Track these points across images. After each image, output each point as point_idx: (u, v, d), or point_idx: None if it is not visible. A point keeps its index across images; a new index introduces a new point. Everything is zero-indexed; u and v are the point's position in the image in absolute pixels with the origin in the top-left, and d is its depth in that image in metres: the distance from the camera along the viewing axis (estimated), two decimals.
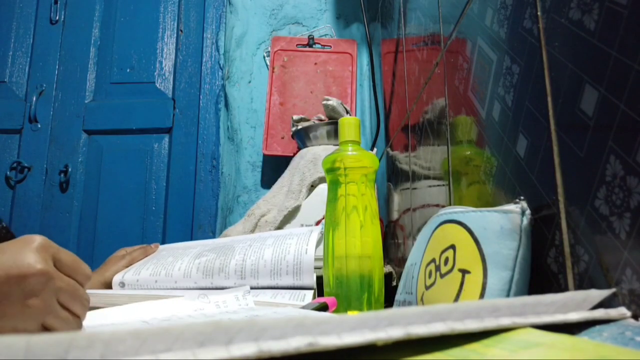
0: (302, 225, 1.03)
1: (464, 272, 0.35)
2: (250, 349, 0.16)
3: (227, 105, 1.54)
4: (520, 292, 0.34)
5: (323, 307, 0.55)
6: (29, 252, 0.34)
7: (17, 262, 0.33)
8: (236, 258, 0.72)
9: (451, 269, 0.37)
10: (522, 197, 0.35)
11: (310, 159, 1.10)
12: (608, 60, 0.27)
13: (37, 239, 0.35)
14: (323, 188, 1.06)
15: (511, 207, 0.35)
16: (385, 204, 1.11)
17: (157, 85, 1.58)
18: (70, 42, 1.62)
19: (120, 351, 0.14)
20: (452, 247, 0.38)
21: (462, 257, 0.36)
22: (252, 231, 1.06)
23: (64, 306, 0.35)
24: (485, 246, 0.35)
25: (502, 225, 0.34)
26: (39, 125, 1.56)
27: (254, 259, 0.71)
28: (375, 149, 1.14)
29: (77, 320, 0.37)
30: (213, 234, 1.44)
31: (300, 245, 0.71)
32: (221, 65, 1.56)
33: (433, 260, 0.41)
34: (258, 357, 0.15)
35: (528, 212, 0.34)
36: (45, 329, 0.34)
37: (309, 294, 0.66)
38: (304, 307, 0.54)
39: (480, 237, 0.35)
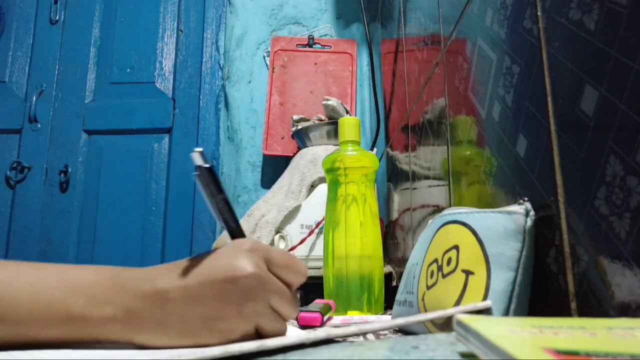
0: (302, 226, 1.03)
1: (468, 272, 0.35)
2: None
3: (227, 105, 1.54)
4: (523, 293, 0.34)
5: (327, 309, 0.55)
6: (241, 256, 0.35)
7: (232, 265, 0.35)
8: None
9: (454, 270, 0.37)
10: (525, 198, 0.35)
11: (310, 159, 1.10)
12: (608, 60, 0.27)
13: (248, 243, 0.37)
14: (323, 188, 1.06)
15: (515, 208, 0.35)
16: (385, 204, 1.11)
17: (157, 85, 1.58)
18: (70, 42, 1.62)
19: None
20: (456, 247, 0.38)
21: (465, 257, 0.36)
22: (252, 232, 1.06)
23: (274, 308, 0.36)
24: (489, 247, 0.34)
25: (505, 226, 0.34)
26: (39, 125, 1.56)
27: None
28: (375, 149, 1.14)
29: (284, 322, 0.38)
30: (213, 234, 1.44)
31: None
32: (221, 65, 1.56)
33: (435, 261, 0.41)
34: None
35: (532, 213, 0.34)
36: (257, 330, 0.36)
37: None
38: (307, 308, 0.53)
39: (484, 238, 0.35)
